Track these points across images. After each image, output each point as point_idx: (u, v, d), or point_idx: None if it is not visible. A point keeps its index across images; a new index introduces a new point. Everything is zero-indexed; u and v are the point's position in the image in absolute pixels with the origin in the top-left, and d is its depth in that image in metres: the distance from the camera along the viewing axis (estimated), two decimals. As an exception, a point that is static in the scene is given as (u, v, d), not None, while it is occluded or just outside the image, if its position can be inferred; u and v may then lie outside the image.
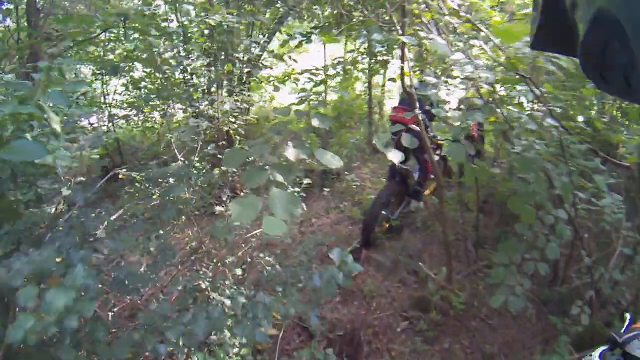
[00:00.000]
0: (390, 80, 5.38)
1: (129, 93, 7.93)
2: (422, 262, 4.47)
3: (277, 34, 6.62)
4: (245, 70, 5.72)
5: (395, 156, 2.34)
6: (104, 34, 7.16)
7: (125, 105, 8.05)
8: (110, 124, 8.36)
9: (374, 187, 6.98)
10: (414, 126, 3.34)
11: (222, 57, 5.36)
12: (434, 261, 4.66)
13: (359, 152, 7.84)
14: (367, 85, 8.96)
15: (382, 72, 7.73)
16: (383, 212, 4.94)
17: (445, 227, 3.99)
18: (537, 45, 0.70)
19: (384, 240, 5.06)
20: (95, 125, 8.57)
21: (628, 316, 1.61)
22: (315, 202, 6.39)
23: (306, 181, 4.68)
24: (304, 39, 5.32)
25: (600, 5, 0.47)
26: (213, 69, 5.94)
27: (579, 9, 0.52)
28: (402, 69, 3.08)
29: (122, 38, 6.10)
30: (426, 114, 4.20)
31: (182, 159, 3.11)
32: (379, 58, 5.24)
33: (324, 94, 10.40)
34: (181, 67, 5.21)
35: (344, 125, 7.20)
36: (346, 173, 7.25)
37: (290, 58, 6.21)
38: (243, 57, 5.28)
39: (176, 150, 3.34)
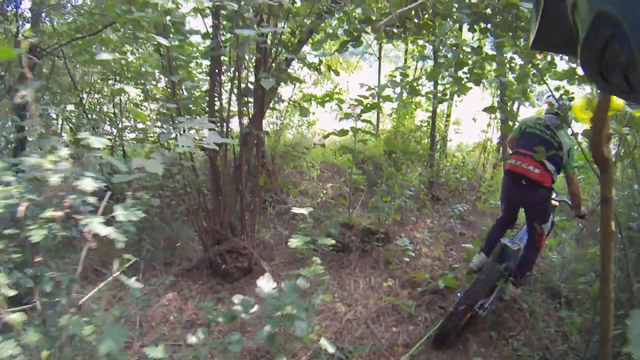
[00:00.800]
0: (487, 110, 3.47)
1: (144, 104, 6.58)
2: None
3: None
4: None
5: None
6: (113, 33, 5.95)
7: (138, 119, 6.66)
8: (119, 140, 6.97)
9: (431, 255, 5.06)
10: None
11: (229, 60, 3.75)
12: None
13: (414, 202, 5.93)
14: (428, 114, 7.11)
15: (457, 98, 5.86)
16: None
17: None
18: (537, 45, 0.69)
19: (458, 344, 3.45)
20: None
21: None
22: (350, 275, 4.54)
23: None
24: (351, 41, 3.55)
25: (600, 6, 0.47)
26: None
27: (579, 9, 0.53)
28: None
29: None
30: (553, 163, 3.54)
31: None
32: (462, 76, 3.38)
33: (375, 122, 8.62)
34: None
35: (398, 166, 5.41)
36: (395, 232, 5.39)
37: (330, 69, 4.42)
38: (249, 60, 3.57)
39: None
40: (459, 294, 3.66)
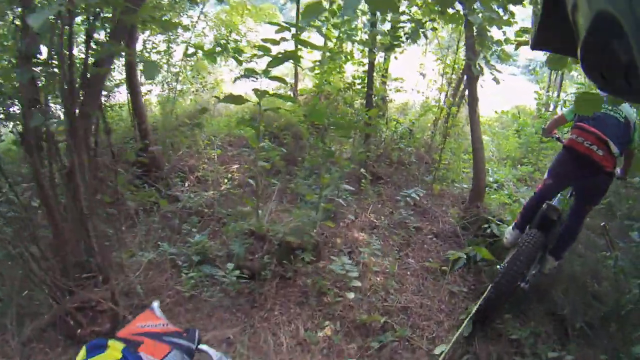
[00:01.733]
0: (553, 65, 1.83)
1: None
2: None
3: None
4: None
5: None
6: None
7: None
8: None
9: (382, 270, 3.62)
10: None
11: None
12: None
13: (350, 191, 4.38)
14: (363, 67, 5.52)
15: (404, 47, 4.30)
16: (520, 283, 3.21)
17: None
18: (537, 45, 0.68)
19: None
20: None
21: None
22: (266, 321, 2.95)
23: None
24: None
25: (600, 6, 0.45)
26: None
27: (579, 9, 0.51)
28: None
29: None
30: (619, 144, 3.18)
31: None
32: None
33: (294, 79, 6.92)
34: None
35: (332, 151, 3.89)
36: (328, 239, 3.84)
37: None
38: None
39: None
40: (499, 267, 3.40)
